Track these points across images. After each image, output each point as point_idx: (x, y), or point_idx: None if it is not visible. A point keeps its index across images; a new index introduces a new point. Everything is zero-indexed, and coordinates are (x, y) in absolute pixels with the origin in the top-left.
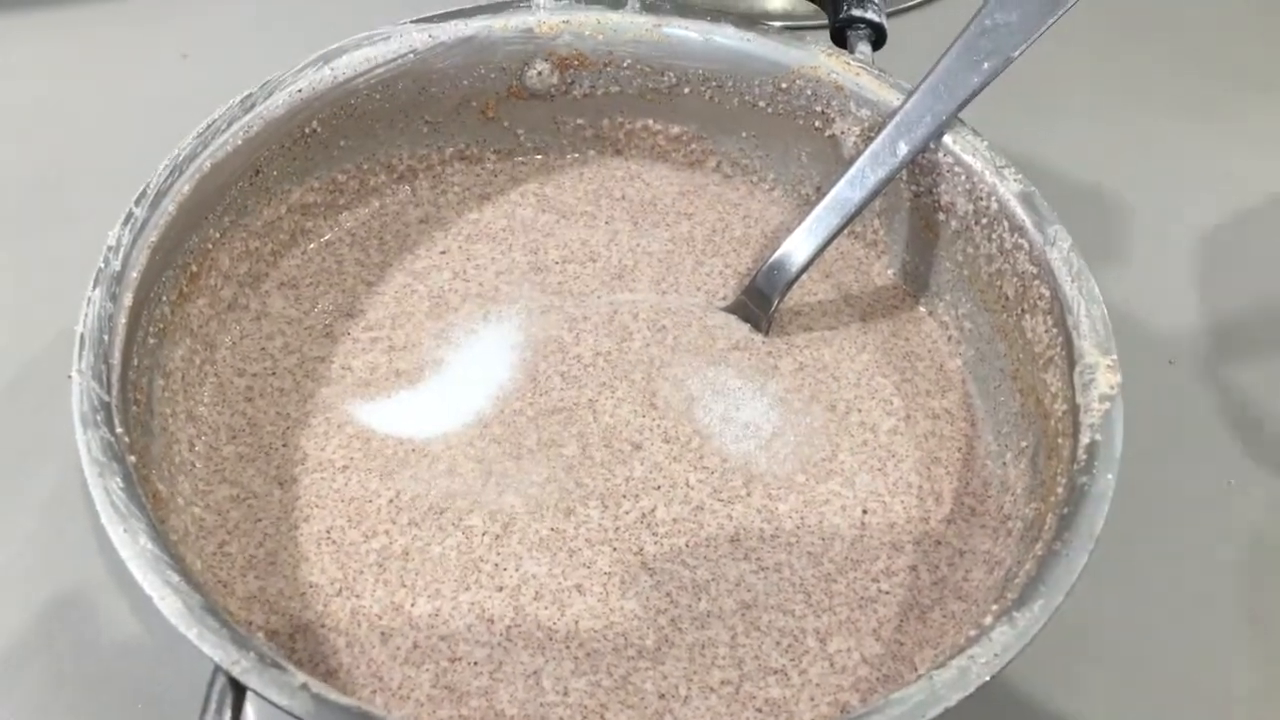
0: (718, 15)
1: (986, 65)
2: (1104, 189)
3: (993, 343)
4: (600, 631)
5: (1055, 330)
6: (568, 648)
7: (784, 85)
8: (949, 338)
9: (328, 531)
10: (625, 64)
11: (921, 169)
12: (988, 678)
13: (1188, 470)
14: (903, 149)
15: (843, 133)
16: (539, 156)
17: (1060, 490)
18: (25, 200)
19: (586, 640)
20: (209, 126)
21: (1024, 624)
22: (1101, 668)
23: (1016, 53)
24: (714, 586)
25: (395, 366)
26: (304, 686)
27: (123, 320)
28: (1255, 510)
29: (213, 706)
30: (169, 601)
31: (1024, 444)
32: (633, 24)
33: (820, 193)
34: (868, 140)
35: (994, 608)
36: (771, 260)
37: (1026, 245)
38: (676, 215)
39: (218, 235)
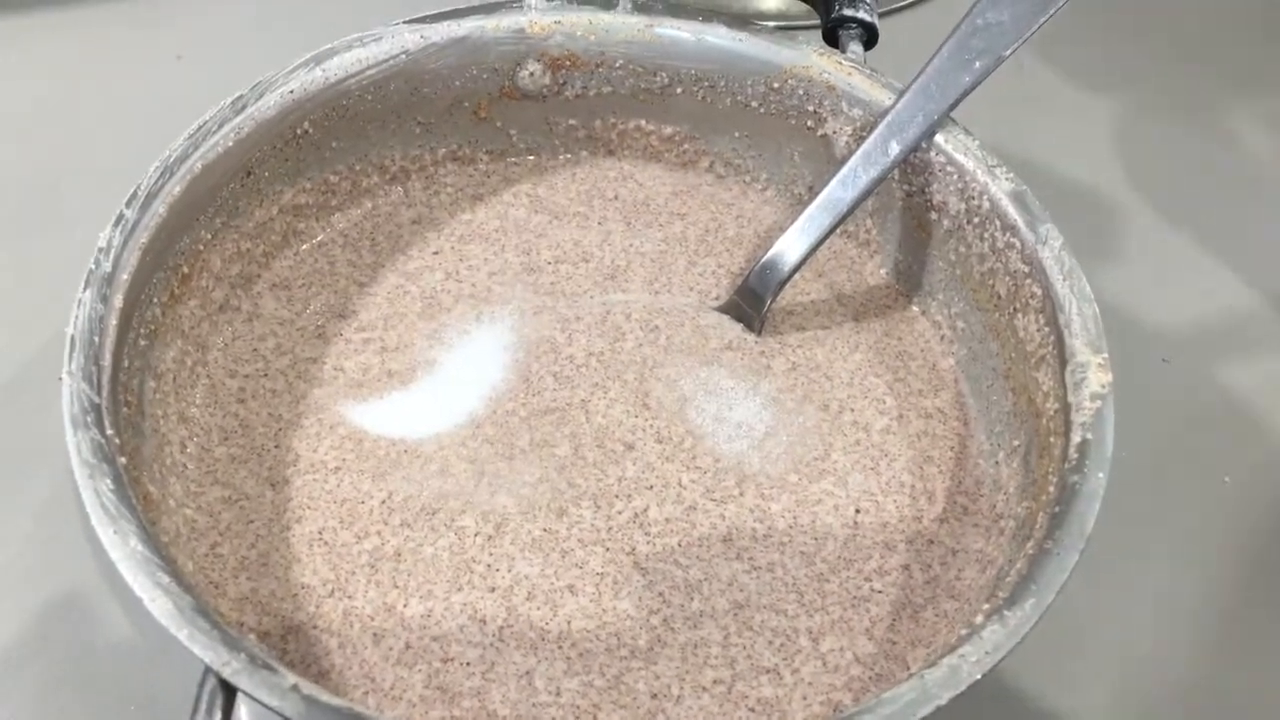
0: (709, 15)
1: (978, 64)
2: (1096, 187)
3: (985, 342)
4: (593, 632)
5: (1047, 329)
6: (560, 648)
7: (776, 85)
8: (941, 337)
9: (320, 533)
10: (617, 64)
11: (914, 168)
12: (979, 676)
13: (1182, 468)
14: (894, 149)
15: (835, 132)
16: (531, 157)
17: (1052, 489)
18: (20, 201)
19: (579, 640)
20: (200, 128)
21: (1015, 622)
22: (1094, 666)
23: (1008, 51)
24: (706, 586)
25: (388, 367)
26: (295, 688)
27: (113, 322)
28: (1249, 508)
29: (203, 708)
30: (159, 603)
31: (1016, 443)
32: (625, 24)
33: (813, 192)
34: (859, 140)
35: (985, 606)
36: (764, 260)
37: (1018, 244)
38: (669, 215)
39: (209, 236)
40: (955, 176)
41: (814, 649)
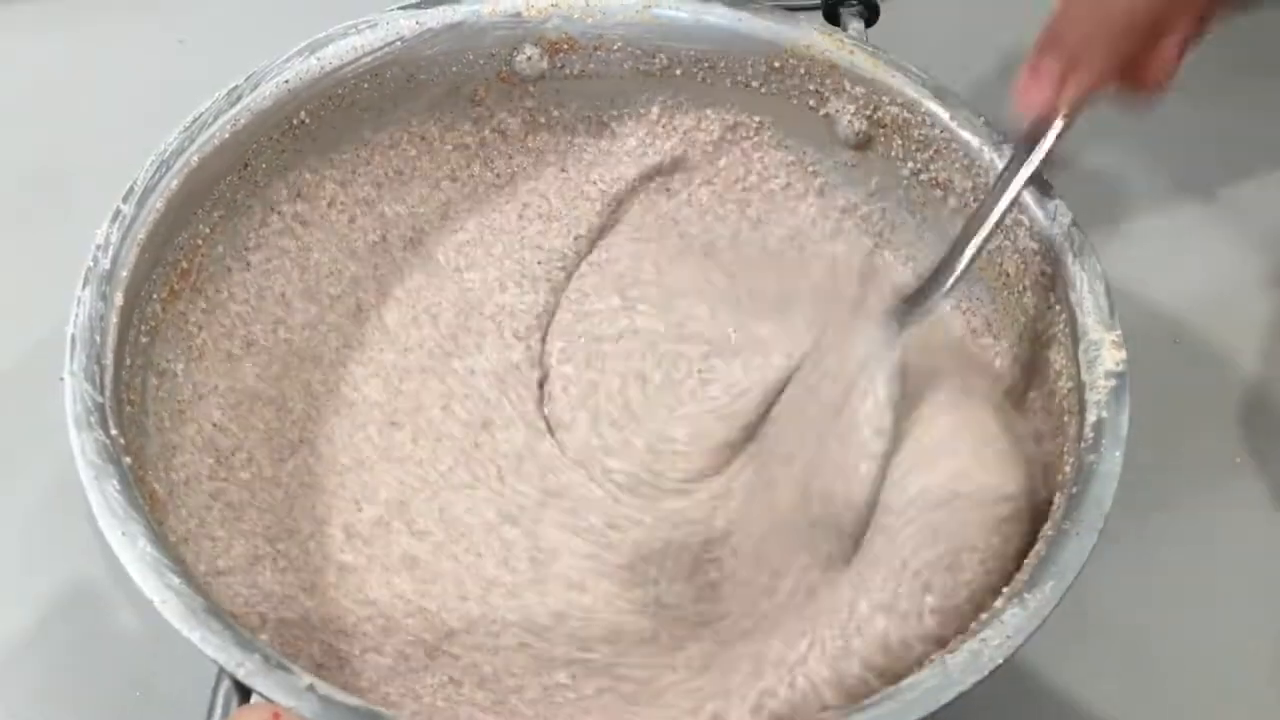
0: None
1: None
2: (1105, 165)
3: (995, 320)
4: (607, 626)
5: (1058, 307)
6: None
7: (777, 65)
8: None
9: (333, 530)
10: (615, 47)
11: (918, 145)
12: (1000, 660)
13: (1192, 450)
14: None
15: (837, 112)
16: (530, 142)
17: (1068, 469)
18: (20, 191)
19: (595, 637)
20: (195, 120)
21: (1036, 605)
22: (1112, 647)
23: None
24: None
25: None
26: (310, 688)
27: (114, 320)
28: (1262, 487)
29: (219, 711)
30: (171, 605)
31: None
32: (622, 6)
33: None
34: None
35: (1005, 590)
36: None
37: (1027, 221)
38: None
39: (208, 231)
40: (961, 153)
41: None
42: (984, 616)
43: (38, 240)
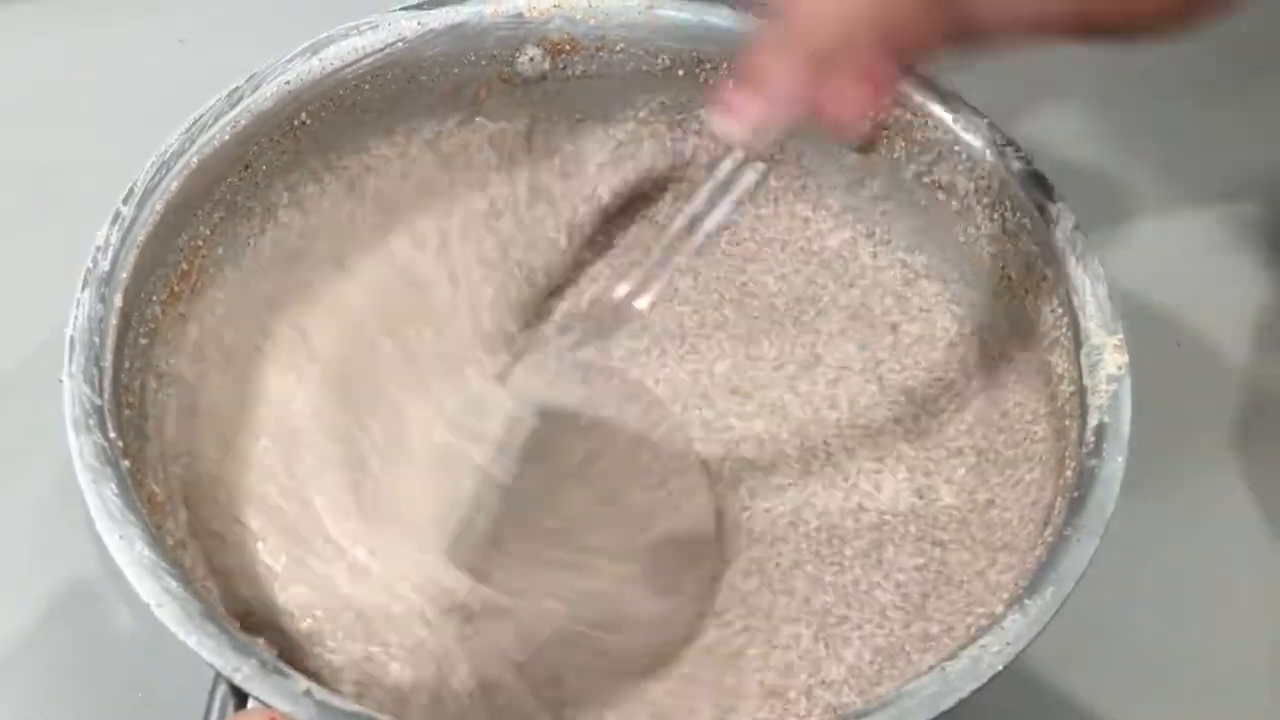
0: None
1: None
2: (1108, 168)
3: (995, 324)
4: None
5: (1060, 310)
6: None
7: None
8: (951, 317)
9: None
10: (618, 48)
11: (921, 147)
12: (1000, 667)
13: (1194, 455)
14: None
15: None
16: (531, 142)
17: (1069, 474)
18: (20, 191)
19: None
20: (195, 122)
21: (1036, 611)
22: (1115, 651)
23: None
24: None
25: None
26: (307, 693)
27: (113, 322)
28: (1264, 490)
29: (215, 716)
30: (168, 609)
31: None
32: (625, 6)
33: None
34: None
35: (1005, 595)
36: None
37: (1029, 225)
38: None
39: (208, 232)
40: (964, 156)
41: None
42: (984, 623)
43: (38, 241)
